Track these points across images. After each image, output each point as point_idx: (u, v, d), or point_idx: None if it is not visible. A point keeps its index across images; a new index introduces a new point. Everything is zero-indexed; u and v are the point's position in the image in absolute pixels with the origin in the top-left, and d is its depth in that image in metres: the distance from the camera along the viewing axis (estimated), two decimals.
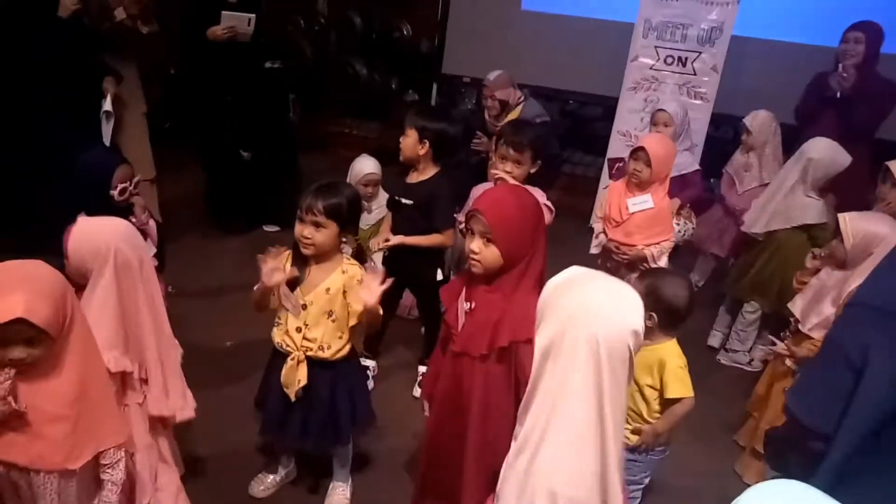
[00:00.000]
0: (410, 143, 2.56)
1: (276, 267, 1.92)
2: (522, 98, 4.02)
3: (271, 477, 2.32)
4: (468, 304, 1.71)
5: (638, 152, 2.73)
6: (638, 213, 2.70)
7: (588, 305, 1.16)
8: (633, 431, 2.06)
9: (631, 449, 2.08)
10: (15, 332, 1.33)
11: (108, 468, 1.58)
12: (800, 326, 2.32)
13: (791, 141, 3.53)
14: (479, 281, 1.68)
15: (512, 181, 2.47)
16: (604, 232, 2.83)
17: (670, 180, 2.83)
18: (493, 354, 1.64)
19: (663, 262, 2.70)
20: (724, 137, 4.80)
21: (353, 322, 2.01)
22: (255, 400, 2.25)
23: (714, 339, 3.48)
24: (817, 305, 2.28)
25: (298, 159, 4.43)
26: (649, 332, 2.02)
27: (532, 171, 2.60)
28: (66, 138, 3.08)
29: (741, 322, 3.26)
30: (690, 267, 3.95)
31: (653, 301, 2.00)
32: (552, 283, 1.21)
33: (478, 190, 2.57)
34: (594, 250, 2.89)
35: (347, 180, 3.51)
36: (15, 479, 1.48)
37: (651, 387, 2.03)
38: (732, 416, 2.84)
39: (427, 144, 2.55)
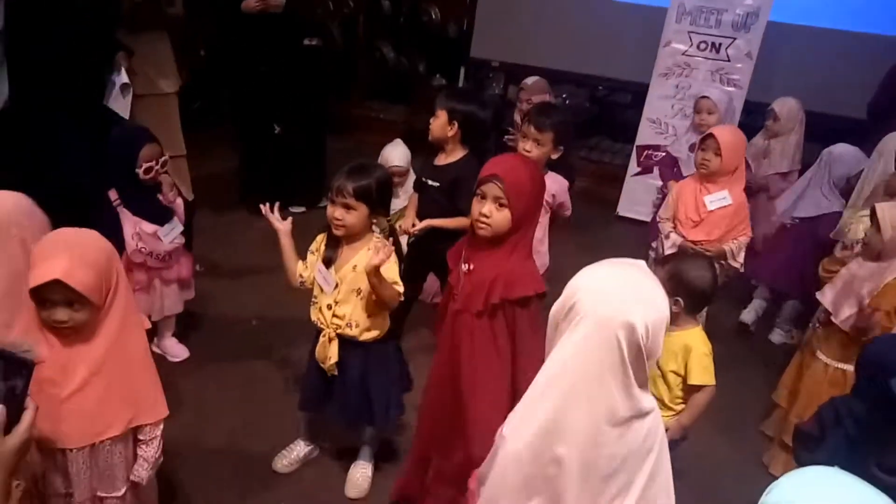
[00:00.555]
0: (440, 123, 2.55)
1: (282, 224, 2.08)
2: None
3: (294, 453, 2.34)
4: (466, 265, 1.78)
5: (706, 141, 2.64)
6: (717, 210, 2.62)
7: (596, 284, 1.15)
8: None
9: None
10: (57, 294, 1.38)
11: (144, 444, 1.60)
12: (832, 318, 2.27)
13: (825, 131, 3.44)
14: (479, 244, 1.75)
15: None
16: (674, 230, 2.74)
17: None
18: (488, 311, 1.73)
19: (741, 258, 2.64)
20: (755, 125, 4.69)
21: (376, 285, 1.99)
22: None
23: (748, 316, 3.41)
24: (850, 297, 2.23)
25: (326, 140, 4.46)
26: (675, 318, 2.00)
27: (553, 156, 2.57)
28: (68, 138, 3.09)
29: None
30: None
31: (676, 285, 1.98)
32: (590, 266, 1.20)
33: None
34: (669, 251, 2.75)
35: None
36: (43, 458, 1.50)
37: (675, 372, 2.01)
38: (758, 405, 2.80)
39: (456, 126, 2.54)
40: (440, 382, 1.91)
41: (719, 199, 2.63)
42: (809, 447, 1.81)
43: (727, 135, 2.65)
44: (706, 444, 2.57)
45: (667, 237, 2.77)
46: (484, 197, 1.70)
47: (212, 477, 2.26)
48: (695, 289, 1.99)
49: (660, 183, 3.87)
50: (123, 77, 3.28)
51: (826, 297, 2.31)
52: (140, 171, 2.40)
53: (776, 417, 2.61)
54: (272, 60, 3.93)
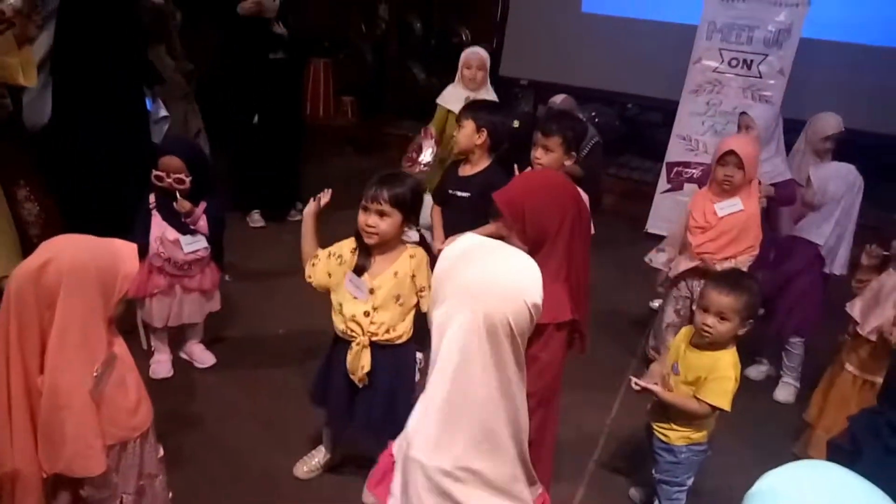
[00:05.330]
0: (467, 133, 2.56)
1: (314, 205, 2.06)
2: None
3: (316, 460, 2.35)
4: None
5: (726, 157, 2.61)
6: (727, 216, 2.60)
7: (487, 281, 1.09)
8: (668, 428, 2.03)
9: (668, 449, 2.05)
10: None
11: None
12: (858, 329, 2.21)
13: (860, 149, 3.32)
14: None
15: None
16: (670, 248, 2.75)
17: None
18: None
19: None
20: (789, 143, 4.62)
21: (424, 307, 2.02)
22: (310, 394, 2.27)
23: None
24: (877, 308, 2.18)
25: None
26: (731, 340, 1.95)
27: (566, 162, 2.53)
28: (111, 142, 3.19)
29: None
30: None
31: (752, 310, 1.93)
32: (448, 256, 1.15)
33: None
34: (658, 266, 2.77)
35: None
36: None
37: (690, 384, 1.97)
38: (792, 425, 2.72)
39: (484, 134, 2.55)
40: None
41: (730, 205, 2.61)
42: (842, 462, 1.73)
43: (745, 146, 2.63)
44: (738, 463, 2.50)
45: (661, 250, 2.82)
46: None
47: (234, 481, 2.27)
48: (755, 311, 1.95)
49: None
50: (162, 110, 3.45)
51: (855, 308, 2.26)
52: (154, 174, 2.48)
53: (805, 437, 2.53)
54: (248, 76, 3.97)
